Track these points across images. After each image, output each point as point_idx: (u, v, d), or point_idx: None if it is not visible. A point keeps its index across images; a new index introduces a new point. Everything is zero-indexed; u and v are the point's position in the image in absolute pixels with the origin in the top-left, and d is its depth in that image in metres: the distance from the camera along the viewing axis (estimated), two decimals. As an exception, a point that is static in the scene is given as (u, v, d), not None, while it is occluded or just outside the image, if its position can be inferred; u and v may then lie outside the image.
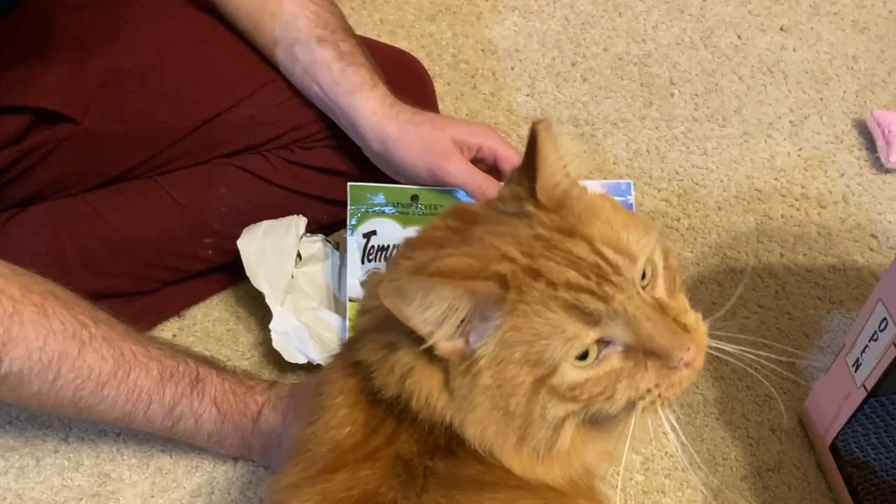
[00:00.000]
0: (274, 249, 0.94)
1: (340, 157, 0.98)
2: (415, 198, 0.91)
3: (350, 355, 0.57)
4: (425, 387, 0.51)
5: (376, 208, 0.92)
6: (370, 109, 0.90)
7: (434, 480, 0.51)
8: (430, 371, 0.51)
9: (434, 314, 0.48)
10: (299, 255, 0.98)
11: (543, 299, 0.49)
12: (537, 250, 0.51)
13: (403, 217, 0.91)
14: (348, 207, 0.91)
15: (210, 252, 0.97)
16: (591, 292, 0.49)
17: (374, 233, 0.92)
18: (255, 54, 0.96)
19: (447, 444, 0.53)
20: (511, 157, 0.89)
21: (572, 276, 0.50)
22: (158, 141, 0.92)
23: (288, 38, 0.93)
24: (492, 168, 0.91)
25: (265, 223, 0.95)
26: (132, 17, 0.94)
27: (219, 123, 0.94)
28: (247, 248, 0.92)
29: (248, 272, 0.92)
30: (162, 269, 0.96)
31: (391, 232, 0.91)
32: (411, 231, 0.90)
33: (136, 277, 0.96)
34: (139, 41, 0.93)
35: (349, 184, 0.92)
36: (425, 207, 0.91)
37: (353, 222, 0.92)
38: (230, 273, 0.99)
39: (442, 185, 0.90)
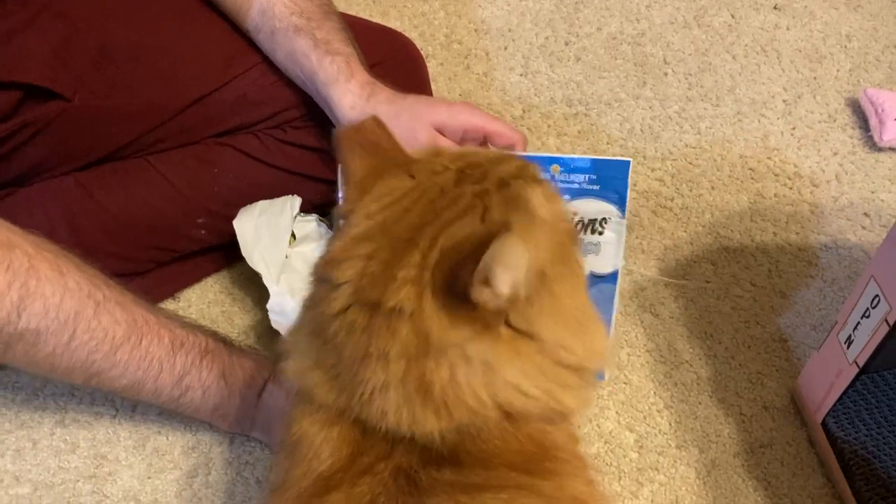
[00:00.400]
0: (269, 229, 0.94)
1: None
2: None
3: (327, 412, 0.53)
4: (507, 368, 0.49)
5: None
6: (348, 104, 0.88)
7: (440, 488, 0.50)
8: (498, 341, 0.50)
9: (519, 273, 0.47)
10: (293, 235, 0.98)
11: (532, 187, 0.53)
12: (475, 173, 0.53)
13: None
14: (339, 189, 0.90)
15: (203, 232, 0.97)
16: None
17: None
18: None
19: (452, 454, 0.51)
20: (501, 131, 0.86)
21: (512, 165, 0.55)
22: (150, 119, 0.92)
23: (267, 26, 0.92)
24: (483, 144, 0.87)
25: (261, 203, 0.95)
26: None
27: (211, 102, 0.93)
28: (242, 228, 0.92)
29: (244, 252, 0.92)
30: (154, 250, 0.96)
31: None
32: None
33: (128, 258, 0.95)
34: (130, 17, 0.92)
35: (341, 165, 0.91)
36: None
37: None
38: (224, 254, 0.99)
39: None
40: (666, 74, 1.24)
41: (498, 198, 0.51)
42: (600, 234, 0.86)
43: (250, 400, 0.82)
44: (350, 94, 0.88)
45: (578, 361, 0.52)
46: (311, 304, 0.54)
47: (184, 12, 0.95)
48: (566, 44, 1.28)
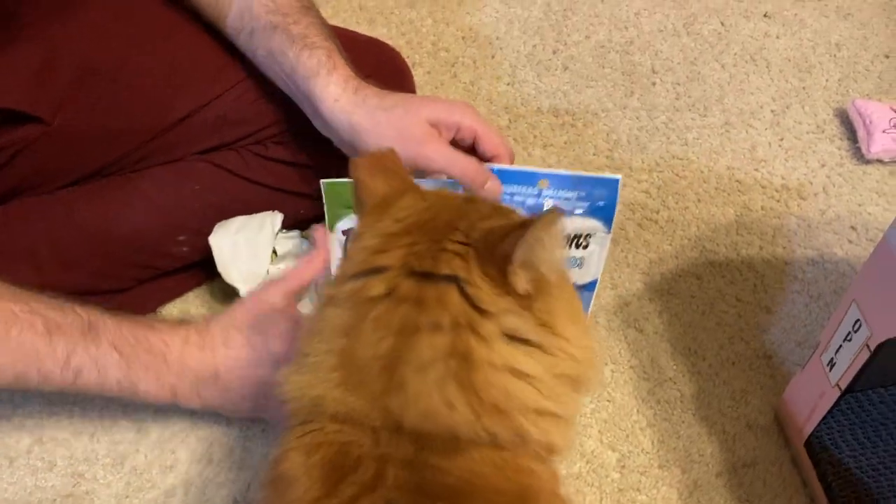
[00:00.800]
0: (248, 245, 0.93)
1: (315, 152, 0.96)
2: None
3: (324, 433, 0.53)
4: (531, 357, 0.52)
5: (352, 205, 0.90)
6: (332, 97, 0.84)
7: None
8: (529, 320, 0.53)
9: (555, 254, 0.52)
10: (275, 252, 0.97)
11: None
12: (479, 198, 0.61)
13: None
14: (325, 205, 0.87)
15: (185, 249, 0.96)
16: None
17: (353, 230, 0.89)
18: (228, 49, 0.95)
19: (447, 493, 0.50)
20: (492, 138, 0.84)
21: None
22: (130, 140, 0.91)
23: (246, 28, 0.90)
24: (470, 149, 0.85)
25: (238, 219, 0.94)
26: (101, 12, 0.91)
27: (192, 122, 0.92)
28: (219, 244, 0.91)
29: (220, 268, 0.91)
30: (136, 267, 0.95)
31: None
32: None
33: (110, 275, 0.94)
34: (109, 38, 0.91)
35: (322, 181, 0.88)
36: None
37: (331, 220, 0.88)
38: (205, 270, 0.99)
39: (422, 173, 0.85)
40: (654, 84, 1.23)
41: (509, 210, 0.57)
42: (585, 248, 0.85)
43: (158, 366, 0.78)
44: (333, 85, 0.84)
45: (578, 368, 0.54)
46: (336, 303, 0.54)
47: (165, 30, 0.94)
48: (554, 52, 1.27)
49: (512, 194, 0.83)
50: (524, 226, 0.50)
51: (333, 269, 0.92)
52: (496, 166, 0.83)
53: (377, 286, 0.52)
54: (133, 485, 0.87)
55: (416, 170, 0.85)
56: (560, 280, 0.54)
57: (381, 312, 0.51)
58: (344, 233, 0.90)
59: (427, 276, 0.51)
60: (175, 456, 0.88)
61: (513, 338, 0.51)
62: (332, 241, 0.91)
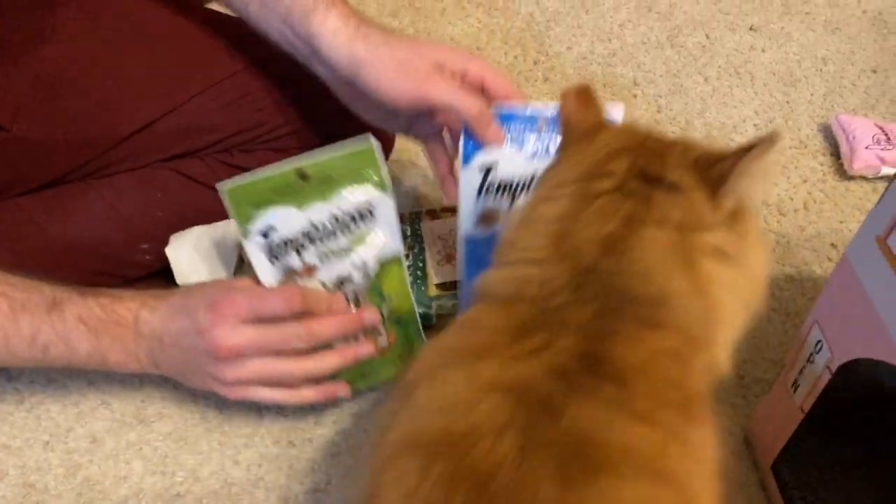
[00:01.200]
0: (209, 254, 0.92)
1: (281, 159, 0.95)
2: (303, 175, 0.79)
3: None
4: (730, 269, 0.56)
5: (262, 202, 0.80)
6: (331, 29, 0.80)
7: (596, 400, 0.50)
8: (733, 237, 0.57)
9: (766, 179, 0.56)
10: (241, 259, 0.96)
11: None
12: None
13: (296, 196, 0.79)
14: (231, 212, 0.80)
15: (148, 257, 0.94)
16: None
17: (272, 228, 0.80)
18: (197, 54, 0.94)
19: (617, 370, 0.51)
20: (502, 84, 0.81)
21: None
22: (92, 148, 0.90)
23: None
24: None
25: (197, 229, 0.92)
26: (66, 18, 0.90)
27: (156, 129, 0.91)
28: (177, 255, 0.90)
29: (180, 280, 0.90)
30: (99, 275, 0.94)
31: (290, 219, 0.80)
32: (312, 210, 0.80)
33: (72, 283, 0.93)
34: (73, 44, 0.90)
35: (220, 186, 0.78)
36: (318, 180, 0.80)
37: (242, 224, 0.80)
38: (168, 278, 0.97)
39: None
40: (635, 96, 1.22)
41: (708, 143, 0.60)
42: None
43: (124, 336, 0.78)
44: (333, 19, 0.80)
45: (754, 292, 0.59)
46: (553, 199, 0.58)
47: (132, 35, 0.93)
48: (535, 63, 1.26)
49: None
50: (740, 153, 0.54)
51: (261, 277, 0.83)
52: (503, 105, 0.81)
53: (605, 183, 0.56)
54: (85, 496, 0.85)
55: (419, 107, 0.80)
56: (754, 208, 0.58)
57: (606, 202, 0.56)
58: (263, 234, 0.81)
59: (655, 181, 0.56)
60: (129, 467, 0.86)
61: (717, 250, 0.55)
62: (250, 247, 0.81)
